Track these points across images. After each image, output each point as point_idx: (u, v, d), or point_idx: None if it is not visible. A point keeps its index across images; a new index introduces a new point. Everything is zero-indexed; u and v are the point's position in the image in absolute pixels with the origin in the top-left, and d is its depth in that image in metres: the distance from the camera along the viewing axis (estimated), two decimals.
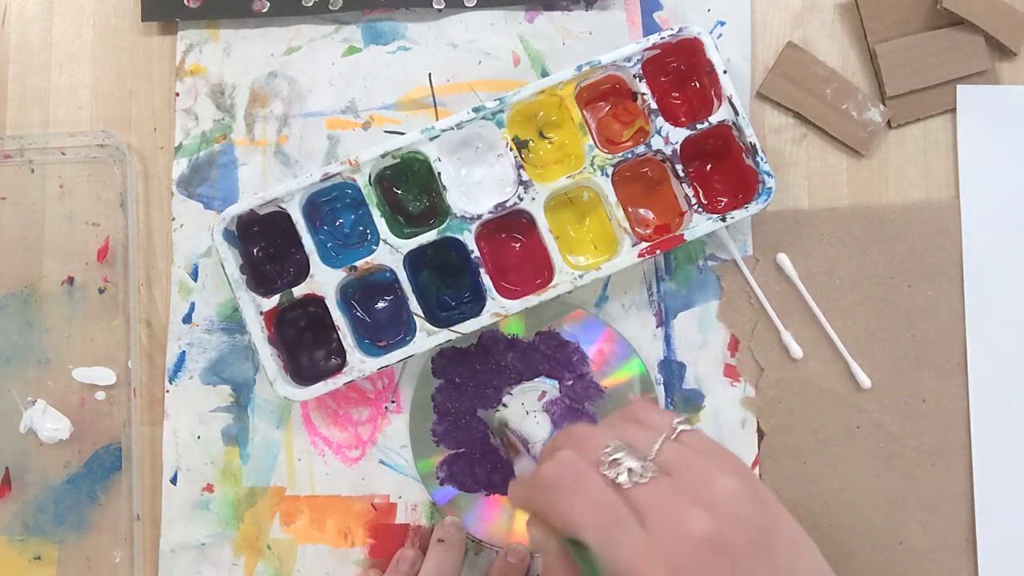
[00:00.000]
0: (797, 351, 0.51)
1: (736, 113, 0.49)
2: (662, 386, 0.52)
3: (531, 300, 0.49)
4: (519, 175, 0.50)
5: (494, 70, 0.54)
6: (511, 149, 0.50)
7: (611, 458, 0.34)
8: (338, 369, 0.49)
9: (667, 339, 0.52)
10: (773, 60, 0.53)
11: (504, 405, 0.52)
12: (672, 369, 0.52)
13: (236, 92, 0.54)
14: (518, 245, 0.52)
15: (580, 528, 0.33)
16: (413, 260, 0.50)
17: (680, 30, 0.50)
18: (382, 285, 0.51)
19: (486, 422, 0.51)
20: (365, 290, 0.52)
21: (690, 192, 0.50)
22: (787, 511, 0.35)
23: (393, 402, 0.52)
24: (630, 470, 0.34)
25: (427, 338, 0.49)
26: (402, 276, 0.49)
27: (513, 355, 0.52)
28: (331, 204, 0.52)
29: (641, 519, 0.33)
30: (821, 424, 0.51)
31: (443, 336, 0.49)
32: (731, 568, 0.32)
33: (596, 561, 0.33)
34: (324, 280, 0.49)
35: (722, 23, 0.53)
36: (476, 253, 0.49)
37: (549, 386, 0.52)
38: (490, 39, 0.54)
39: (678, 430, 0.36)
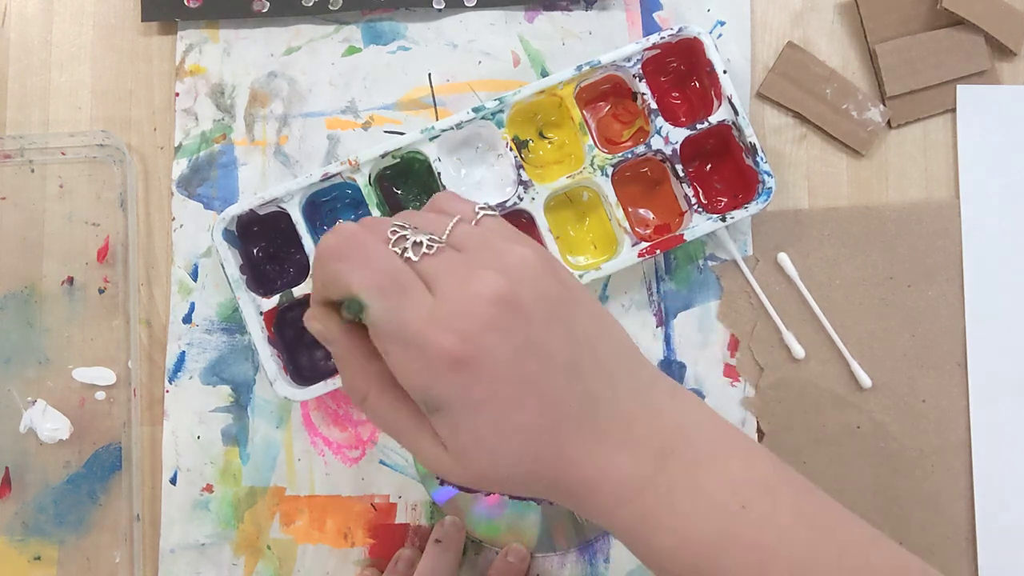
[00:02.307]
0: (799, 351, 0.51)
1: (736, 113, 0.49)
2: None
3: None
4: (519, 175, 0.50)
5: (494, 70, 0.54)
6: (511, 149, 0.50)
7: (398, 235, 0.32)
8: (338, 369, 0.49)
9: (667, 339, 0.52)
10: (773, 60, 0.53)
11: None
12: (672, 369, 0.52)
13: (236, 92, 0.54)
14: None
15: (359, 286, 0.31)
16: None
17: (680, 30, 0.50)
18: None
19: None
20: None
21: (690, 192, 0.50)
22: (591, 294, 0.34)
23: None
24: (416, 243, 0.32)
25: None
26: None
27: None
28: (331, 204, 0.52)
29: (429, 287, 0.31)
30: (821, 424, 0.51)
31: None
32: (525, 329, 0.31)
33: (366, 308, 0.31)
34: None
35: (722, 23, 0.53)
36: None
37: None
38: (490, 39, 0.54)
39: (480, 215, 0.34)
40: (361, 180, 0.50)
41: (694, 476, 0.32)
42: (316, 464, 0.52)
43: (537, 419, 0.31)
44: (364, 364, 0.33)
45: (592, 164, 0.50)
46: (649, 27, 0.53)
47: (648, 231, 0.52)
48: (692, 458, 0.33)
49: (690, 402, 0.35)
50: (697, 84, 0.52)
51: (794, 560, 0.32)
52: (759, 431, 0.51)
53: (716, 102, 0.50)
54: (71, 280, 0.53)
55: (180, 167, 0.53)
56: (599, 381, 0.33)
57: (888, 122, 0.53)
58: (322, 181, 0.49)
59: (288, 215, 0.49)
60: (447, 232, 0.33)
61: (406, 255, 0.32)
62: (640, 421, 0.33)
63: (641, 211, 0.52)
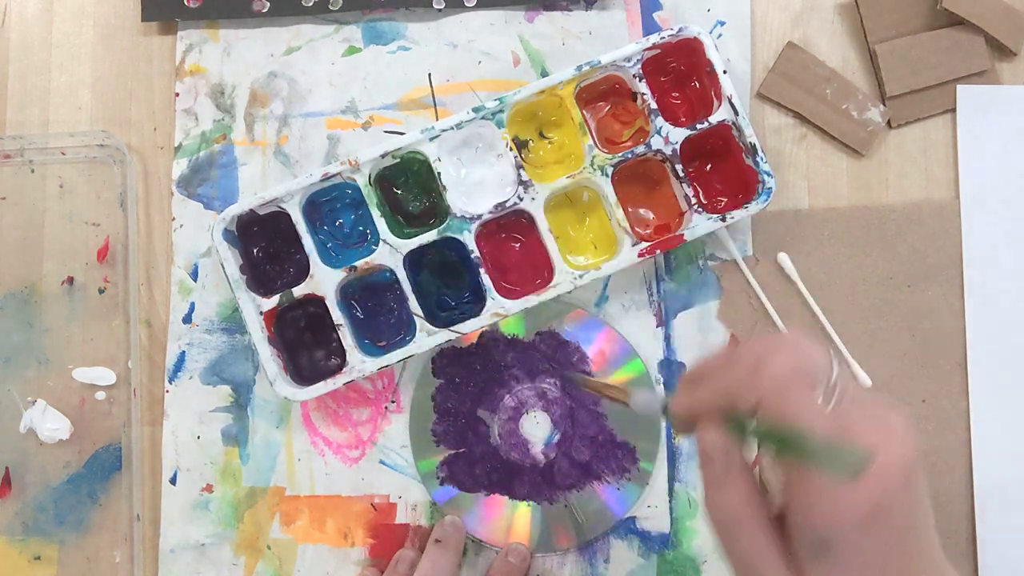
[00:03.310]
0: None
1: (736, 113, 0.49)
2: (662, 386, 0.52)
3: (531, 300, 0.49)
4: (519, 175, 0.50)
5: (494, 70, 0.54)
6: (511, 149, 0.50)
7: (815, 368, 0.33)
8: (338, 369, 0.49)
9: (667, 339, 0.52)
10: (773, 60, 0.53)
11: (512, 407, 0.52)
12: (672, 369, 0.52)
13: (236, 92, 0.54)
14: (518, 245, 0.52)
15: (815, 427, 0.31)
16: (413, 260, 0.50)
17: (680, 30, 0.50)
18: (382, 285, 0.51)
19: (572, 383, 0.51)
20: (365, 290, 0.52)
21: (690, 192, 0.50)
22: None
23: (393, 402, 0.52)
24: (827, 389, 0.32)
25: (427, 338, 0.49)
26: (402, 276, 0.49)
27: (513, 355, 0.52)
28: (331, 204, 0.52)
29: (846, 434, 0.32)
30: None
31: (443, 336, 0.49)
32: (922, 491, 0.32)
33: (846, 448, 0.31)
34: (324, 280, 0.49)
35: (722, 23, 0.53)
36: (476, 253, 0.49)
37: (549, 386, 0.52)
38: (490, 39, 0.54)
39: (835, 373, 0.34)
40: (361, 180, 0.49)
41: None
42: (316, 464, 0.52)
43: None
44: (749, 493, 0.33)
45: (592, 164, 0.50)
46: (649, 27, 0.53)
47: (648, 231, 0.52)
48: None
49: None
50: (697, 84, 0.52)
51: None
52: None
53: (716, 102, 0.50)
54: (71, 280, 0.53)
55: (180, 167, 0.53)
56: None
57: (888, 122, 0.53)
58: (322, 181, 0.49)
59: (288, 215, 0.49)
60: (834, 379, 0.33)
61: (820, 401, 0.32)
62: None
63: (641, 211, 0.52)
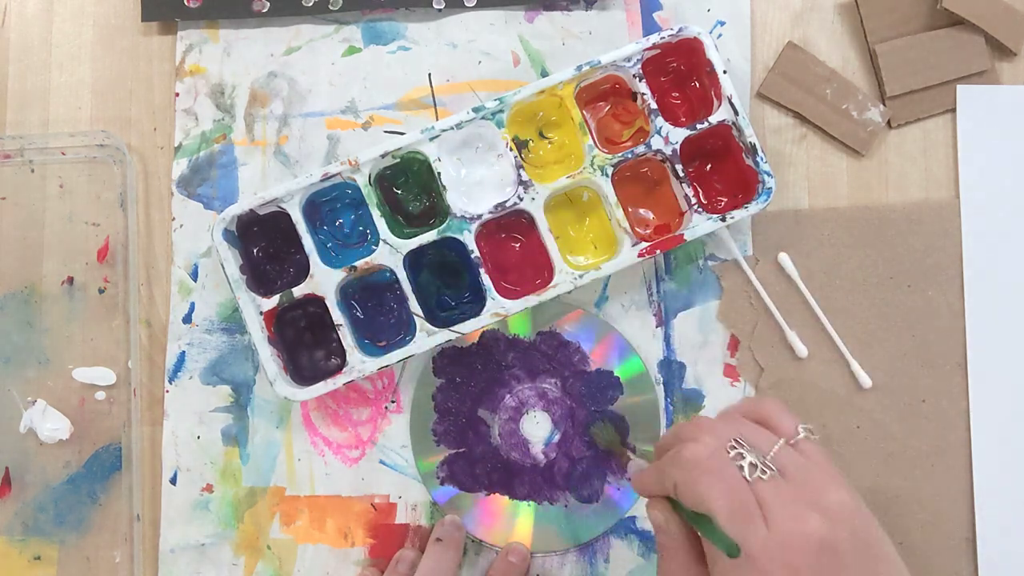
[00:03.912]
0: (802, 350, 0.51)
1: (736, 113, 0.49)
2: (662, 386, 0.52)
3: (531, 300, 0.49)
4: (519, 175, 0.50)
5: (494, 70, 0.54)
6: (511, 149, 0.50)
7: (735, 451, 0.37)
8: (338, 369, 0.49)
9: (667, 339, 0.52)
10: (773, 60, 0.53)
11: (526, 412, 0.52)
12: (672, 369, 0.52)
13: (236, 92, 0.54)
14: (518, 245, 0.52)
15: (717, 508, 0.35)
16: (413, 260, 0.50)
17: (680, 30, 0.50)
18: (382, 285, 0.51)
19: (592, 436, 0.51)
20: (365, 290, 0.52)
21: (690, 192, 0.50)
22: (886, 533, 0.37)
23: (393, 402, 0.52)
24: (752, 464, 0.36)
25: (427, 338, 0.49)
26: (402, 276, 0.49)
27: (514, 355, 0.52)
28: (331, 204, 0.52)
29: (764, 514, 0.35)
30: (821, 424, 0.51)
31: (443, 336, 0.49)
32: (840, 572, 0.34)
33: (725, 533, 0.35)
34: (324, 280, 0.49)
35: (722, 23, 0.53)
36: (476, 253, 0.49)
37: (550, 386, 0.52)
38: (490, 39, 0.54)
39: (800, 435, 0.38)
40: (361, 180, 0.49)
41: None
42: (316, 464, 0.52)
43: None
44: (689, 564, 0.37)
45: (592, 164, 0.50)
46: (649, 27, 0.53)
47: (648, 231, 0.52)
48: None
49: None
50: (697, 84, 0.52)
51: None
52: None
53: (716, 102, 0.50)
54: (71, 280, 0.53)
55: (180, 167, 0.53)
56: None
57: (888, 122, 0.53)
58: (322, 181, 0.49)
59: (288, 215, 0.49)
60: (772, 454, 0.37)
61: (743, 473, 0.36)
62: None
63: (641, 211, 0.52)
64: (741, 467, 0.36)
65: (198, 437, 0.52)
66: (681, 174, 0.50)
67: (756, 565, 0.34)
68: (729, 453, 0.37)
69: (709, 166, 0.52)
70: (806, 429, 0.38)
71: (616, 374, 0.52)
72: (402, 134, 0.51)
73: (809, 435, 0.38)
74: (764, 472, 0.36)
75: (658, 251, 0.49)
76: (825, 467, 0.37)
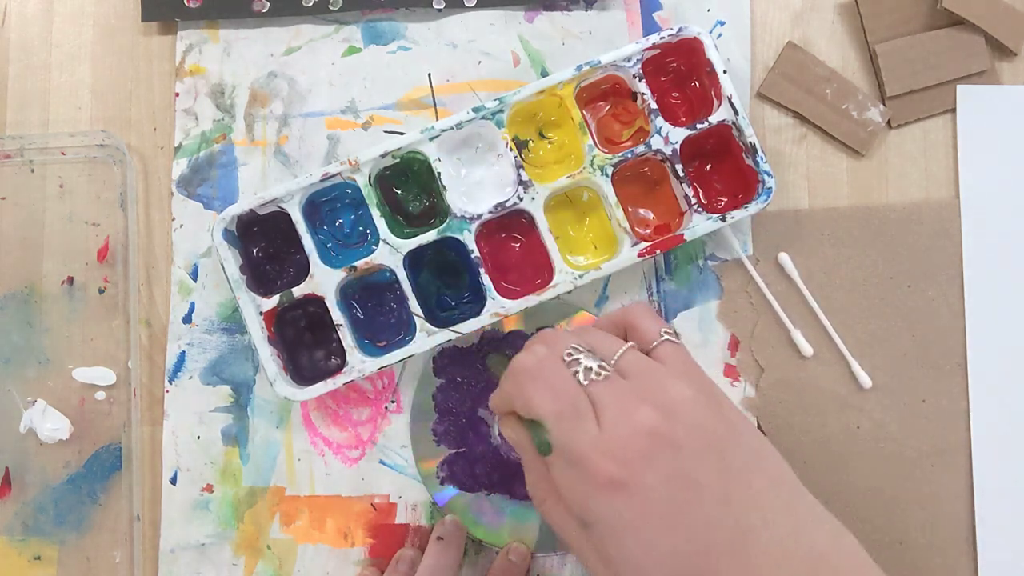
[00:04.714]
0: (807, 349, 0.51)
1: (736, 113, 0.49)
2: None
3: (531, 300, 0.49)
4: (519, 175, 0.50)
5: (494, 70, 0.54)
6: (511, 149, 0.50)
7: (572, 357, 0.37)
8: (338, 369, 0.49)
9: None
10: (773, 60, 0.53)
11: None
12: None
13: (236, 92, 0.54)
14: (518, 245, 0.52)
15: (541, 412, 0.36)
16: (413, 260, 0.50)
17: (680, 30, 0.50)
18: (382, 285, 0.51)
19: (488, 366, 0.52)
20: (365, 290, 0.52)
21: (690, 192, 0.50)
22: (754, 427, 0.36)
23: (393, 402, 0.52)
24: (588, 368, 0.36)
25: (427, 338, 0.49)
26: (402, 276, 0.49)
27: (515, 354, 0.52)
28: (331, 204, 0.52)
29: (596, 413, 0.35)
30: (821, 424, 0.51)
31: (443, 336, 0.49)
32: (676, 461, 0.34)
33: (549, 439, 0.36)
34: (324, 280, 0.49)
35: (722, 23, 0.53)
36: (476, 253, 0.49)
37: None
38: (490, 39, 0.54)
39: (662, 339, 0.38)
40: (361, 180, 0.50)
41: None
42: (316, 464, 0.52)
43: (685, 544, 0.34)
44: (546, 473, 0.38)
45: (592, 164, 0.50)
46: (649, 27, 0.53)
47: (648, 231, 0.52)
48: None
49: (853, 547, 0.36)
50: (697, 84, 0.52)
51: None
52: (759, 431, 0.51)
53: (716, 102, 0.50)
54: (71, 280, 0.53)
55: (180, 167, 0.53)
56: (751, 514, 0.34)
57: (888, 122, 0.53)
58: (322, 181, 0.49)
59: (288, 215, 0.49)
60: (615, 358, 0.37)
61: (577, 377, 0.36)
62: (794, 561, 0.34)
63: (641, 211, 0.52)
64: (576, 372, 0.36)
65: (198, 437, 0.52)
66: (681, 174, 0.50)
67: (587, 463, 0.34)
68: (566, 361, 0.37)
69: (709, 166, 0.52)
70: (668, 333, 0.38)
71: None
72: (402, 134, 0.51)
73: (670, 338, 0.38)
74: (599, 374, 0.36)
75: (658, 251, 0.49)
76: (675, 366, 0.37)
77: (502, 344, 0.52)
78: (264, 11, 0.53)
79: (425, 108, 0.53)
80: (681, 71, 0.52)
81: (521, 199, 0.49)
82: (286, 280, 0.52)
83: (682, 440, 0.34)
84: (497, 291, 0.49)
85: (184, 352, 0.53)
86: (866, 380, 0.51)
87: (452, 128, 0.50)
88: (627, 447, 0.34)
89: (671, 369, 0.37)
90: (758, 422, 0.51)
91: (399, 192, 0.52)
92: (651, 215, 0.52)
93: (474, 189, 0.51)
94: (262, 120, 0.54)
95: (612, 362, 0.37)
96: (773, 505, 0.35)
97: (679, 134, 0.50)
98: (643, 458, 0.34)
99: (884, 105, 0.53)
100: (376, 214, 0.49)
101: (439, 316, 0.51)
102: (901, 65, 0.52)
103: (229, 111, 0.54)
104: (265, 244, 0.52)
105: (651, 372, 0.36)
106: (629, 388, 0.36)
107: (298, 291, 0.49)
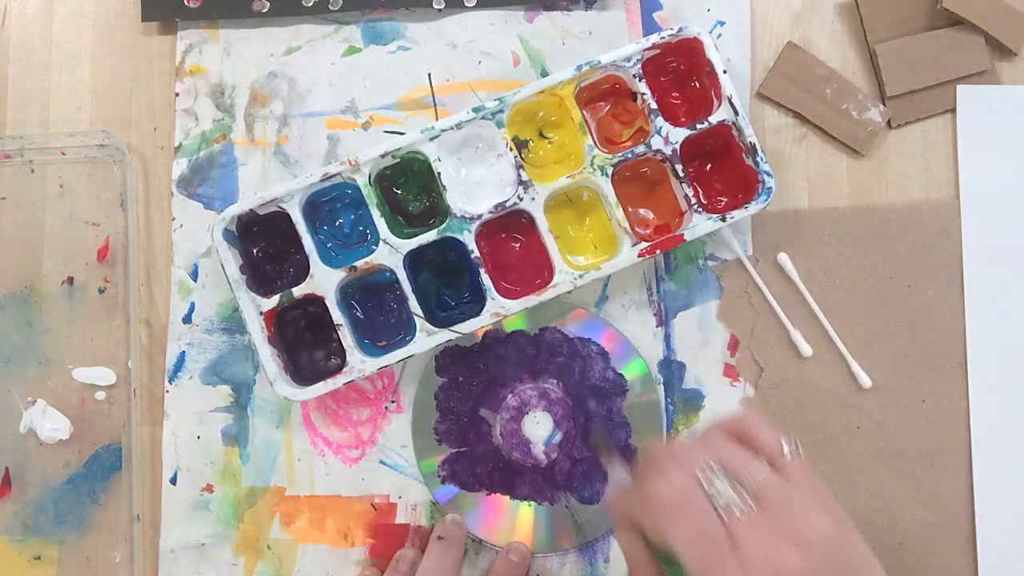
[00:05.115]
0: (807, 349, 0.51)
1: (736, 113, 0.49)
2: (662, 386, 0.52)
3: (531, 300, 0.49)
4: (519, 175, 0.50)
5: (494, 70, 0.54)
6: (511, 149, 0.50)
7: (709, 483, 0.36)
8: (338, 369, 0.49)
9: (667, 339, 0.52)
10: (773, 60, 0.53)
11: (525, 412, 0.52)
12: (672, 369, 0.52)
13: (236, 92, 0.54)
14: (518, 245, 0.52)
15: (682, 551, 0.35)
16: (413, 260, 0.50)
17: (680, 30, 0.50)
18: (382, 285, 0.51)
19: (592, 442, 0.51)
20: (365, 290, 0.52)
21: (690, 192, 0.50)
22: (875, 558, 0.36)
23: (393, 402, 0.52)
24: (728, 504, 0.35)
25: (427, 338, 0.49)
26: (402, 276, 0.49)
27: (515, 350, 0.52)
28: (331, 204, 0.52)
29: (735, 547, 0.34)
30: (821, 424, 0.51)
31: (443, 336, 0.49)
32: None
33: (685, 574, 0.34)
34: (324, 280, 0.49)
35: (722, 23, 0.53)
36: (476, 253, 0.49)
37: (551, 386, 0.52)
38: (490, 39, 0.54)
39: (785, 453, 0.37)
40: (361, 180, 0.49)
41: None
42: (316, 464, 0.52)
43: None
44: None
45: (592, 164, 0.50)
46: (649, 27, 0.53)
47: (648, 231, 0.52)
48: None
49: None
50: (697, 84, 0.52)
51: None
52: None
53: (716, 102, 0.50)
54: (71, 280, 0.53)
55: (180, 167, 0.53)
56: None
57: (888, 122, 0.53)
58: (322, 181, 0.49)
59: (288, 215, 0.49)
60: (754, 483, 0.36)
61: (718, 512, 0.35)
62: None
63: (641, 211, 0.52)
64: (716, 508, 0.35)
65: (198, 437, 0.52)
66: (681, 174, 0.50)
67: None
68: (703, 486, 0.36)
69: (709, 166, 0.52)
70: (790, 444, 0.37)
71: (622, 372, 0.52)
72: (402, 134, 0.51)
73: (793, 452, 0.37)
74: (740, 510, 0.35)
75: (658, 251, 0.49)
76: (808, 490, 0.36)
77: (505, 343, 0.52)
78: (264, 11, 0.53)
79: (425, 108, 0.53)
80: (681, 71, 0.52)
81: (521, 199, 0.49)
82: (286, 280, 0.52)
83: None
84: (497, 291, 0.49)
85: (184, 352, 0.53)
86: (866, 380, 0.51)
87: (452, 128, 0.50)
88: None
89: (806, 496, 0.36)
90: None
91: (399, 192, 0.52)
92: (651, 215, 0.52)
93: (474, 189, 0.51)
94: (262, 120, 0.54)
95: (749, 484, 0.36)
96: None
97: (679, 134, 0.50)
98: None
99: (884, 105, 0.53)
100: (376, 214, 0.49)
101: (439, 316, 0.51)
102: (901, 65, 0.52)
103: (229, 111, 0.54)
104: (265, 244, 0.52)
105: (790, 503, 0.35)
106: (770, 528, 0.34)
107: (298, 291, 0.49)
